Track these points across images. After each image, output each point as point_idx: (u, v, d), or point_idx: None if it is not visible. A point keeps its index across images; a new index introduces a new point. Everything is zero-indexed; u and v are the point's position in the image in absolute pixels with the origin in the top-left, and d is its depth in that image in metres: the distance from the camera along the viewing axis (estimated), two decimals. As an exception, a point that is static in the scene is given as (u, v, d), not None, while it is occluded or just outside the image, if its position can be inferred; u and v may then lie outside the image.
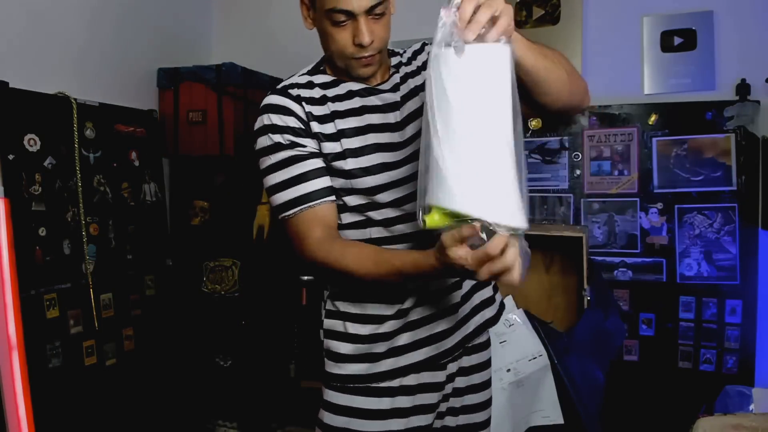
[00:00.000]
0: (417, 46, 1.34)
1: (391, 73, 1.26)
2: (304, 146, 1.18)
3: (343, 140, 1.19)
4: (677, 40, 2.44)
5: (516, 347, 1.98)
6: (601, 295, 2.11)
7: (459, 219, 0.88)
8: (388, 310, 1.22)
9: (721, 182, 2.33)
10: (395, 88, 1.24)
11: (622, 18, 2.52)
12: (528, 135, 2.55)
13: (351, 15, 1.10)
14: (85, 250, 2.20)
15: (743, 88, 2.30)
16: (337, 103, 1.21)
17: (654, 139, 2.42)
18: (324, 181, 1.19)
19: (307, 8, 1.19)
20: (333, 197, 1.21)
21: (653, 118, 2.43)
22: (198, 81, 2.67)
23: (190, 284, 2.71)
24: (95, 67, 2.46)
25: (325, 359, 1.28)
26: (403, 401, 1.24)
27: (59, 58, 2.30)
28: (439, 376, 1.27)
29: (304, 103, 1.19)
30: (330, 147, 1.19)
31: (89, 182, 2.26)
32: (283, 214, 1.19)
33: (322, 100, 1.21)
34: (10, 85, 1.98)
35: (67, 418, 2.06)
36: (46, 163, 2.10)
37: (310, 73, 1.25)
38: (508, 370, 1.95)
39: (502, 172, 0.88)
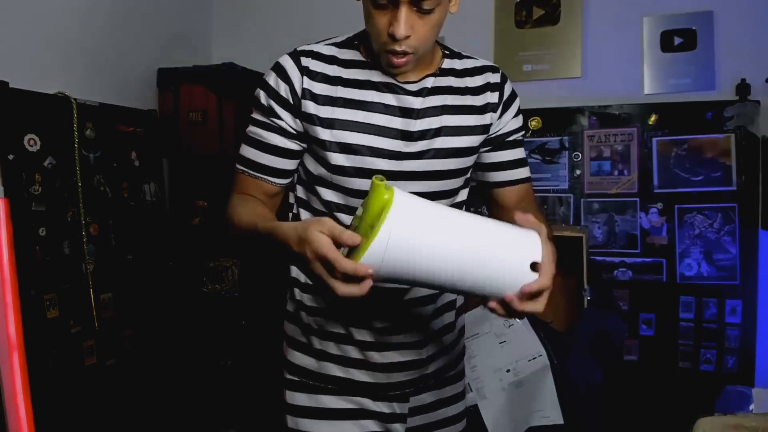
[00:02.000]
0: (483, 63, 1.22)
1: (427, 74, 1.14)
2: (279, 118, 1.12)
3: (338, 132, 1.10)
4: (677, 40, 2.44)
5: (516, 347, 1.98)
6: (601, 295, 2.11)
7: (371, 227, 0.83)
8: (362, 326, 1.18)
9: (721, 182, 2.33)
10: (419, 93, 1.12)
11: (622, 18, 2.52)
12: (528, 135, 2.55)
13: (394, 1, 0.99)
14: (85, 250, 2.20)
15: (743, 88, 2.30)
16: (348, 89, 1.11)
17: (654, 139, 2.42)
18: (277, 162, 1.15)
19: None
20: (279, 181, 1.17)
21: (653, 118, 2.43)
22: (198, 81, 2.67)
23: (190, 284, 2.71)
24: (95, 67, 2.46)
25: (284, 344, 1.25)
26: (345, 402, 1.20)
27: (59, 58, 2.29)
28: (388, 408, 1.22)
29: (306, 77, 1.10)
30: (322, 133, 1.10)
31: (89, 182, 2.26)
32: (236, 163, 1.19)
33: (334, 81, 1.11)
34: (10, 85, 1.97)
35: (67, 418, 2.05)
36: (46, 163, 2.09)
37: (340, 45, 1.15)
38: (508, 370, 1.96)
39: None
